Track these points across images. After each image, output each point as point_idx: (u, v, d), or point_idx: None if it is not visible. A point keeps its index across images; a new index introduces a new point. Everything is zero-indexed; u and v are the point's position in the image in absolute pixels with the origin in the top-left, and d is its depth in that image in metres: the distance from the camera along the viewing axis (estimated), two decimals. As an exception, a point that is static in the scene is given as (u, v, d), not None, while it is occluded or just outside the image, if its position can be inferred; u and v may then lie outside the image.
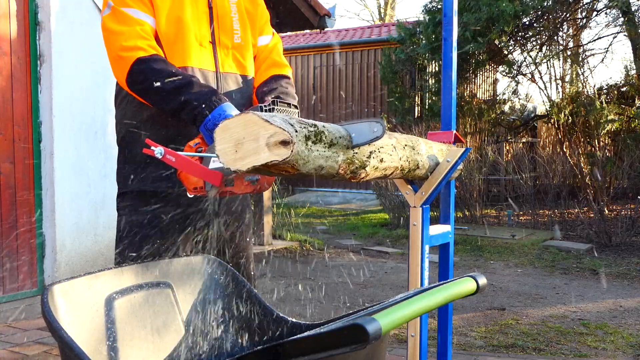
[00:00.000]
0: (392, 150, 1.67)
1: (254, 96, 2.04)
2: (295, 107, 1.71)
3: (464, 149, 2.00)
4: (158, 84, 1.72)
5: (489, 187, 10.05)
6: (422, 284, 2.05)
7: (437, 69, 11.13)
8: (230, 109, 1.70)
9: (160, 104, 1.74)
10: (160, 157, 1.55)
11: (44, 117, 4.24)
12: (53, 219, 4.25)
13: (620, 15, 10.18)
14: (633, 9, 9.91)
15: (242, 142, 1.23)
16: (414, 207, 2.04)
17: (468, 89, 11.39)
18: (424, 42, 10.43)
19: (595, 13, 10.63)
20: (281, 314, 1.66)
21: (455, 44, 2.27)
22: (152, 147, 1.56)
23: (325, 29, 7.34)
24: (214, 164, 1.59)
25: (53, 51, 4.20)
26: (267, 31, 2.13)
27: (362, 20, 45.44)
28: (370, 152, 1.55)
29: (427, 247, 2.06)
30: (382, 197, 8.91)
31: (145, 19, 1.82)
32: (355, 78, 12.79)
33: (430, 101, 10.99)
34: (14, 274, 4.14)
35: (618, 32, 10.85)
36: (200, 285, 1.68)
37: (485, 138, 10.95)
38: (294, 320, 1.63)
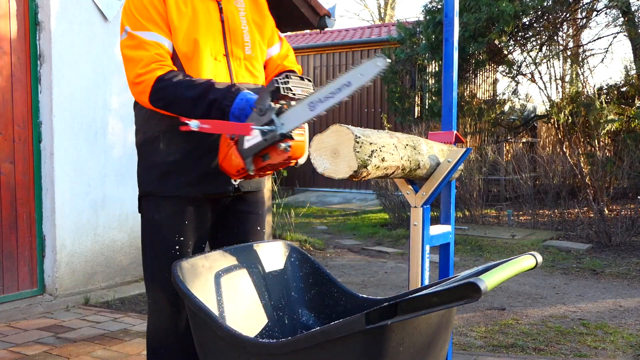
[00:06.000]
0: (393, 150, 1.66)
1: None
2: (309, 80, 1.77)
3: (464, 150, 2.00)
4: (183, 95, 1.83)
5: (489, 187, 10.05)
6: (422, 284, 2.06)
7: (437, 69, 11.13)
8: (248, 93, 1.81)
9: (188, 112, 1.83)
10: (197, 129, 1.70)
11: (44, 117, 4.24)
12: (53, 219, 4.25)
13: (620, 15, 10.17)
14: (633, 9, 9.90)
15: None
16: (415, 207, 2.03)
17: (468, 89, 11.38)
18: (424, 42, 10.43)
19: (595, 13, 10.63)
20: (354, 292, 1.87)
21: (456, 44, 2.27)
22: (187, 122, 1.70)
23: (325, 29, 7.34)
24: (248, 142, 1.74)
25: (53, 51, 4.19)
26: (275, 40, 2.19)
27: (362, 20, 45.45)
28: (372, 151, 1.54)
29: (427, 247, 2.06)
30: (382, 197, 8.91)
31: (161, 41, 1.89)
32: (355, 78, 12.77)
33: (430, 101, 10.99)
34: (14, 274, 4.14)
35: (618, 32, 10.82)
36: (282, 267, 1.92)
37: (485, 138, 10.95)
38: (365, 296, 1.83)
